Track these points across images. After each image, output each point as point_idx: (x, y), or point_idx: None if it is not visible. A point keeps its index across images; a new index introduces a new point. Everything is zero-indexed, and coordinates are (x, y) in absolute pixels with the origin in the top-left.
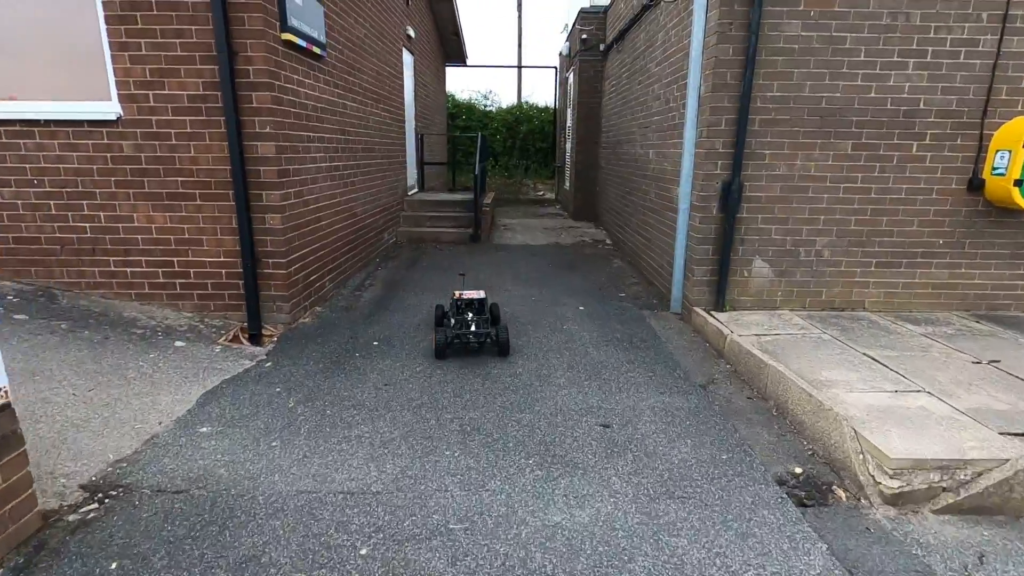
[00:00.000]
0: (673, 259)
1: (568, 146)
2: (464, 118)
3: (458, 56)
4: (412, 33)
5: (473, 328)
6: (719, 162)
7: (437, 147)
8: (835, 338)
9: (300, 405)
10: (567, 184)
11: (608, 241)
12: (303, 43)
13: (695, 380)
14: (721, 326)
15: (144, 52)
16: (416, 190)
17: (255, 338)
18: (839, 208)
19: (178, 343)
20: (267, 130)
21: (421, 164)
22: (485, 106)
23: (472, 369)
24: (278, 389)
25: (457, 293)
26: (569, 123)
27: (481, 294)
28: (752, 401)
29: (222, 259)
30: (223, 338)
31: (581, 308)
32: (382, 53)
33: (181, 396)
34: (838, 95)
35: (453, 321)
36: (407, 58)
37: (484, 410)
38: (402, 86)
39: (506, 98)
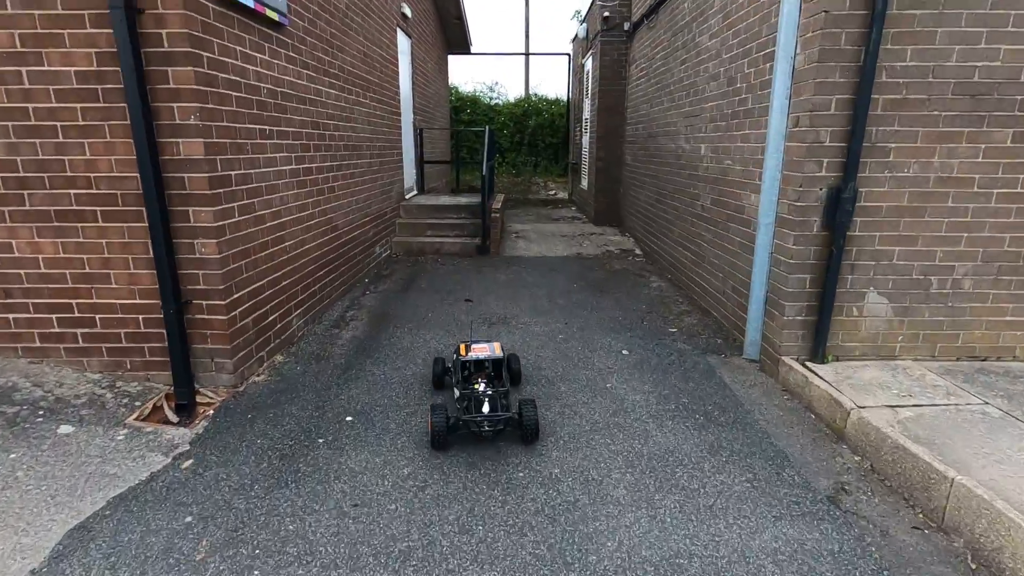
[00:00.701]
0: (749, 290)
1: (585, 140)
2: (468, 112)
3: (461, 44)
4: (408, 12)
5: (487, 409)
6: (825, 160)
7: (439, 143)
8: (1007, 412)
9: (215, 555)
10: (584, 183)
11: (638, 252)
12: (248, 1)
13: (817, 486)
14: (832, 389)
15: (9, 11)
16: (415, 193)
17: (185, 410)
18: (989, 223)
19: (63, 428)
20: (192, 121)
21: (420, 163)
22: (491, 99)
23: (486, 472)
24: (188, 519)
25: (463, 347)
26: (586, 114)
27: (496, 351)
28: (926, 536)
29: (137, 301)
30: (134, 415)
31: (625, 352)
32: (371, 32)
33: (31, 541)
34: (998, 65)
35: (458, 392)
36: (403, 41)
37: (509, 562)
38: (396, 73)
39: (512, 90)
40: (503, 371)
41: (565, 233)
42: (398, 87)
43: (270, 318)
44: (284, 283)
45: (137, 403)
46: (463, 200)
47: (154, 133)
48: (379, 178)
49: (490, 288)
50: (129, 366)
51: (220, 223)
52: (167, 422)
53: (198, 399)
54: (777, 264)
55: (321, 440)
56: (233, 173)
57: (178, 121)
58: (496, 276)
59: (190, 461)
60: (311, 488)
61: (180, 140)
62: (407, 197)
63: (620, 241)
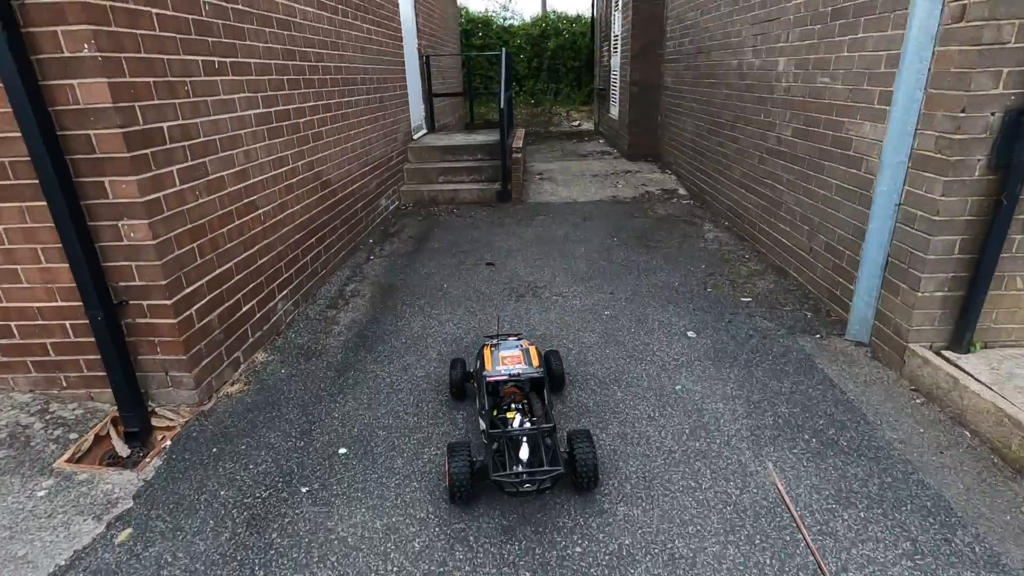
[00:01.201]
0: (856, 250)
1: (615, 61)
2: (480, 35)
3: None
4: None
5: (525, 454)
6: (1005, 71)
7: (449, 73)
8: None
9: None
10: (613, 112)
11: (682, 192)
12: None
13: (1011, 563)
14: (997, 398)
15: None
16: (424, 132)
17: (137, 437)
18: None
19: None
20: (87, 53)
21: (429, 96)
22: (504, 19)
23: (528, 547)
24: None
25: (488, 353)
26: (616, 30)
27: (533, 360)
28: None
29: (59, 303)
30: (67, 455)
31: (691, 335)
32: None
33: None
34: None
35: (484, 425)
36: None
37: None
38: None
39: (528, 9)
40: (544, 391)
41: (596, 172)
42: (397, 6)
43: (244, 308)
44: (261, 262)
45: (73, 435)
46: (479, 138)
47: (35, 73)
48: (380, 117)
49: (515, 246)
50: (65, 383)
51: (151, 196)
52: (113, 459)
53: (155, 422)
54: (909, 220)
55: (305, 489)
56: (166, 125)
57: (67, 54)
58: (521, 230)
59: (128, 531)
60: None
61: (74, 81)
62: (415, 138)
63: (660, 180)
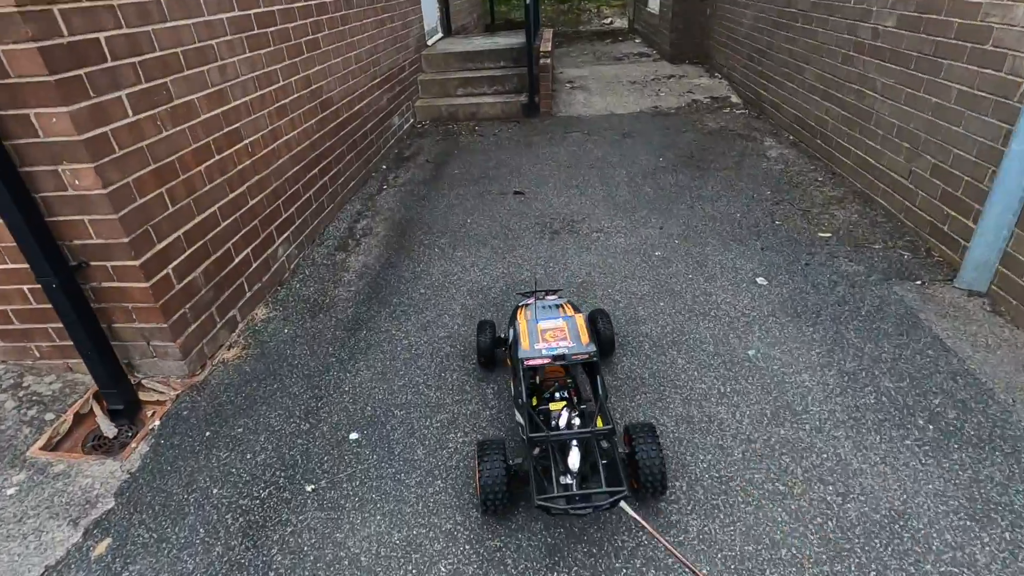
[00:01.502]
0: (989, 177)
1: None
2: None
3: None
4: None
5: (575, 463)
6: None
7: None
8: None
9: None
10: (652, 5)
11: (735, 100)
12: None
13: None
14: None
15: None
16: (439, 36)
17: (124, 415)
18: None
19: None
20: None
21: None
22: None
23: (578, 574)
24: None
25: (523, 318)
26: None
27: (580, 332)
28: None
29: (9, 265)
30: (42, 440)
31: (761, 281)
32: None
33: None
34: None
35: (522, 420)
36: None
37: None
38: None
39: None
40: (597, 376)
41: (634, 78)
42: None
43: (237, 259)
44: (253, 202)
45: (50, 415)
46: (501, 42)
47: None
48: (387, 20)
49: (546, 170)
50: (38, 353)
51: (94, 132)
52: (98, 442)
53: (143, 396)
54: None
55: (311, 488)
56: (103, 36)
57: None
58: (552, 151)
59: (107, 542)
60: None
61: None
62: (429, 43)
63: (709, 86)
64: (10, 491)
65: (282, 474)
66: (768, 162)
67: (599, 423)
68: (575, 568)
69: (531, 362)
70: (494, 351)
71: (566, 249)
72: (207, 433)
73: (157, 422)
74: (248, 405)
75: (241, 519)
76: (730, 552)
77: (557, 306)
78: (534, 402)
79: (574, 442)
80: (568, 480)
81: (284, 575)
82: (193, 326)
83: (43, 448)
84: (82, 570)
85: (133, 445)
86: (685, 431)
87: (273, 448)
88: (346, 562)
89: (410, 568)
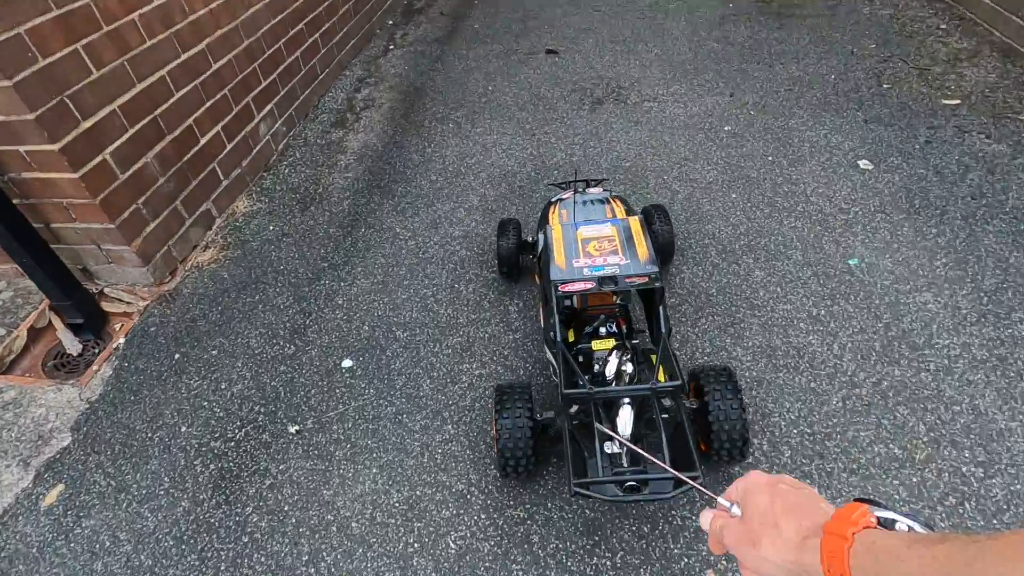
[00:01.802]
0: None
1: None
2: None
3: None
4: None
5: (625, 428)
6: None
7: None
8: None
9: None
10: None
11: None
12: None
13: None
14: None
15: None
16: None
17: (88, 330)
18: None
19: None
20: None
21: None
22: None
23: (626, 561)
24: None
25: (555, 216)
26: None
27: (638, 258)
28: None
29: None
30: None
31: (865, 165)
32: None
33: None
34: None
35: (556, 364)
36: None
37: None
38: None
39: None
40: (660, 305)
41: None
42: None
43: (204, 139)
44: (218, 65)
45: (0, 331)
46: None
47: None
48: None
49: (584, 22)
50: None
51: None
52: (61, 362)
53: (107, 306)
54: None
55: (295, 429)
56: None
57: None
58: None
59: (59, 488)
60: None
61: None
62: None
63: None
64: None
65: (262, 409)
66: (872, 6)
67: (660, 375)
68: (620, 552)
69: (568, 287)
70: (519, 258)
71: (610, 123)
72: (176, 355)
73: (122, 339)
74: (224, 321)
75: (212, 466)
76: None
77: (602, 202)
78: (571, 338)
79: (626, 399)
80: (615, 449)
81: (260, 542)
82: (152, 224)
83: None
84: (30, 523)
85: (94, 368)
86: (765, 367)
87: (252, 376)
88: (334, 528)
89: (411, 540)
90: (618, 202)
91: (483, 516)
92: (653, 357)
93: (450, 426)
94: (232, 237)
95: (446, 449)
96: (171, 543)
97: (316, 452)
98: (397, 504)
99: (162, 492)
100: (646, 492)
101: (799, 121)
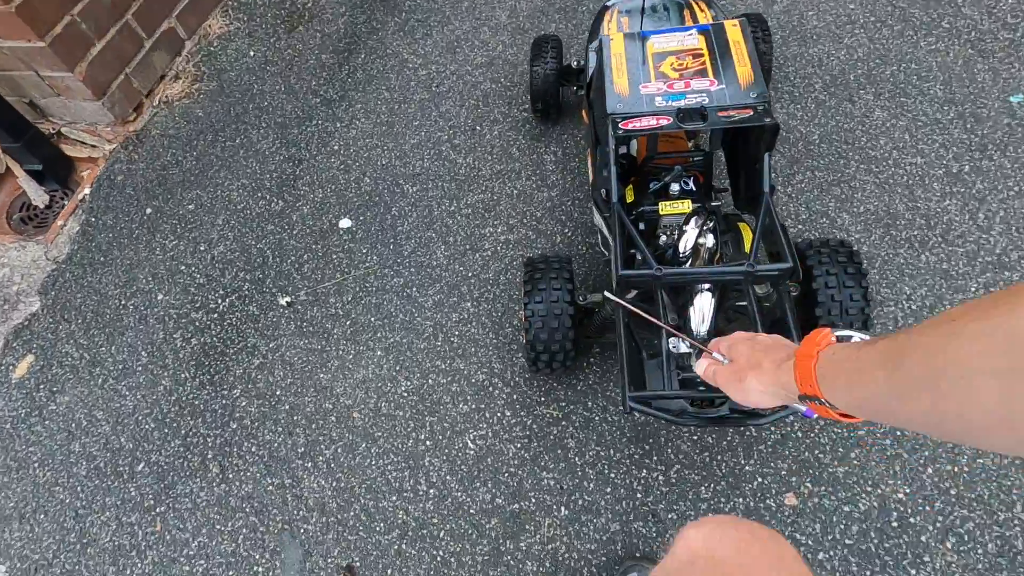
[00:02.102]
0: None
1: None
2: None
3: None
4: None
5: (701, 323)
6: None
7: None
8: None
9: None
10: None
11: None
12: None
13: None
14: None
15: None
16: None
17: (52, 178)
18: None
19: None
20: None
21: None
22: None
23: (694, 491)
24: None
25: (616, 32)
26: None
27: (738, 84)
28: None
29: None
30: None
31: None
32: None
33: None
34: None
35: (606, 231)
36: None
37: None
38: None
39: None
40: (767, 140)
41: None
42: None
43: None
44: None
45: None
46: None
47: None
48: None
49: None
50: None
51: None
52: (28, 215)
53: (68, 150)
54: None
55: (286, 301)
56: None
57: None
58: None
59: (29, 360)
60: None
61: None
62: None
63: None
64: None
65: (247, 276)
66: None
67: (764, 255)
68: (676, 466)
69: (633, 123)
70: (559, 90)
71: None
72: (148, 210)
73: (87, 190)
74: (201, 170)
75: (194, 340)
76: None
77: (680, 6)
78: (629, 198)
79: (705, 285)
80: (684, 348)
81: (250, 429)
82: (99, 45)
83: None
84: (1, 396)
85: (59, 223)
86: (881, 241)
87: (235, 237)
88: (333, 418)
89: (422, 437)
90: (703, 6)
91: (508, 413)
92: (742, 226)
93: (469, 303)
94: (206, 65)
95: (464, 331)
96: (152, 425)
97: (311, 329)
98: (405, 394)
99: (139, 368)
100: (724, 409)
101: None
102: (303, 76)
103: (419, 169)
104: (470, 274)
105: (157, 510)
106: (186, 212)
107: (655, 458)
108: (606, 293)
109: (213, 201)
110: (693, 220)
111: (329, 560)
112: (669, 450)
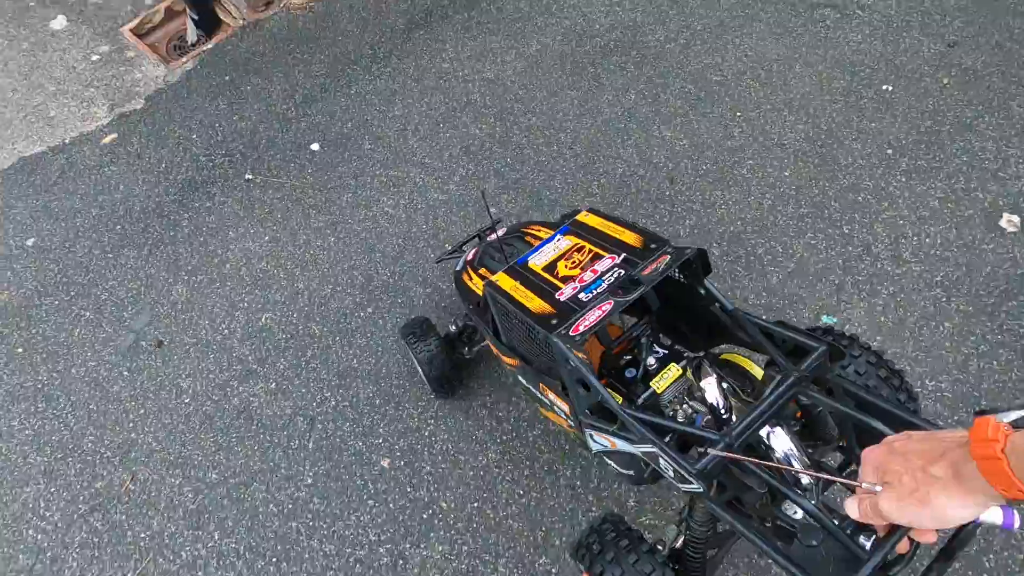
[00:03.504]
0: None
1: None
2: None
3: None
4: None
5: (814, 478)
6: None
7: None
8: None
9: None
10: None
11: None
12: None
13: None
14: None
15: None
16: None
17: (204, 27)
18: None
19: (57, 22)
20: None
21: None
22: None
23: None
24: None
25: (476, 274)
26: None
27: (626, 244)
28: None
29: None
30: (134, 22)
31: None
32: None
33: None
34: None
35: (628, 460)
36: None
37: None
38: None
39: None
40: (701, 268)
41: None
42: None
43: None
44: None
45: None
46: None
47: None
48: None
49: None
50: None
51: None
52: (179, 44)
53: (223, 15)
54: None
55: (248, 177)
56: None
57: None
58: None
59: (113, 136)
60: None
61: None
62: None
63: None
64: (95, 57)
65: (240, 150)
66: None
67: (749, 366)
68: None
69: (580, 325)
70: (455, 363)
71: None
72: (227, 77)
73: (209, 46)
74: (269, 66)
75: (190, 174)
76: None
77: (520, 234)
78: (618, 399)
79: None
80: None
81: (182, 258)
82: None
83: (133, 31)
84: (89, 147)
85: (183, 60)
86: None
87: (258, 118)
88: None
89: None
90: (539, 227)
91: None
92: (730, 358)
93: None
94: None
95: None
96: (136, 212)
97: (238, 212)
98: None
99: (157, 173)
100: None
101: None
102: (383, 29)
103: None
104: None
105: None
106: (244, 90)
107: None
108: (707, 506)
109: (260, 91)
110: (711, 378)
111: None
112: None
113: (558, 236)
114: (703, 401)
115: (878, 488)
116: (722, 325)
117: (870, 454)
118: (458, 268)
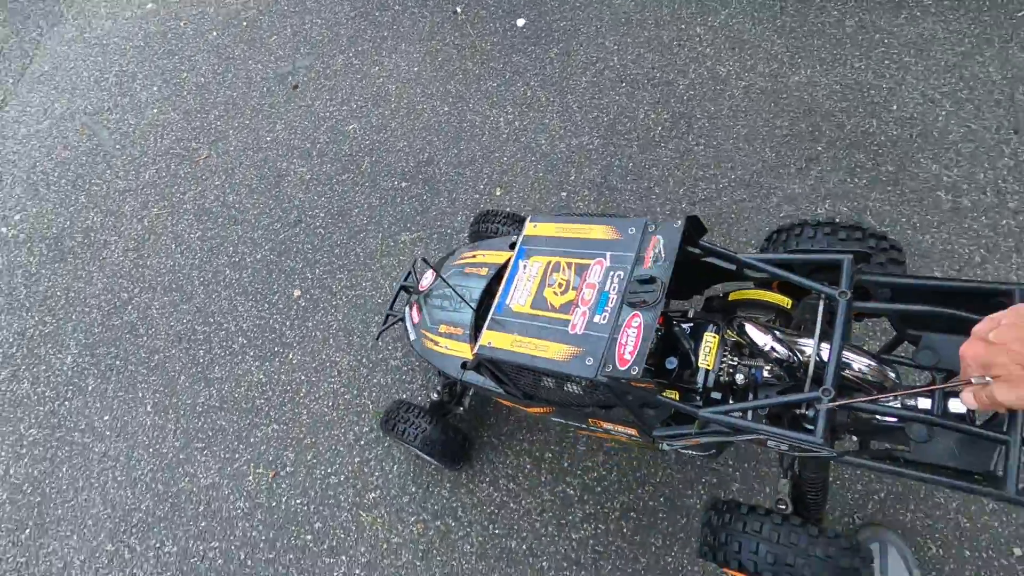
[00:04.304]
0: None
1: None
2: None
3: None
4: None
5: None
6: None
7: None
8: None
9: None
10: None
11: None
12: None
13: None
14: None
15: None
16: None
17: None
18: None
19: None
20: None
21: None
22: None
23: None
24: None
25: (445, 328)
26: None
27: (619, 248)
28: None
29: None
30: None
31: None
32: None
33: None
34: None
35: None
36: None
37: None
38: None
39: None
40: (688, 240)
41: None
42: None
43: None
44: None
45: None
46: None
47: None
48: None
49: None
50: None
51: None
52: None
53: None
54: None
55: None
56: None
57: None
58: None
59: None
60: None
61: None
62: None
63: None
64: None
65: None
66: None
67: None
68: None
69: (626, 347)
70: (447, 422)
71: None
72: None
73: None
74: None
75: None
76: None
77: (458, 271)
78: (675, 395)
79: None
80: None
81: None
82: None
83: None
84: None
85: None
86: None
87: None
88: None
89: None
90: (473, 254)
91: None
92: (755, 294)
93: None
94: None
95: None
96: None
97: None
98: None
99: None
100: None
101: None
102: None
103: None
104: None
105: None
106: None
107: None
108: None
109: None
110: (750, 330)
111: None
112: None
113: (521, 263)
114: (752, 355)
115: (989, 379)
116: (723, 271)
117: (968, 350)
118: (412, 338)
